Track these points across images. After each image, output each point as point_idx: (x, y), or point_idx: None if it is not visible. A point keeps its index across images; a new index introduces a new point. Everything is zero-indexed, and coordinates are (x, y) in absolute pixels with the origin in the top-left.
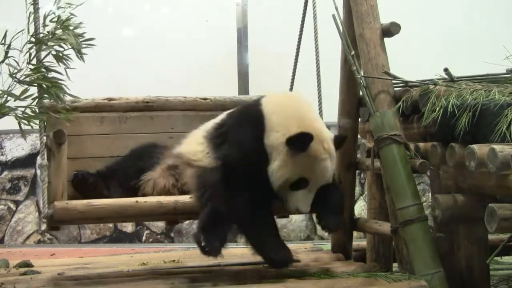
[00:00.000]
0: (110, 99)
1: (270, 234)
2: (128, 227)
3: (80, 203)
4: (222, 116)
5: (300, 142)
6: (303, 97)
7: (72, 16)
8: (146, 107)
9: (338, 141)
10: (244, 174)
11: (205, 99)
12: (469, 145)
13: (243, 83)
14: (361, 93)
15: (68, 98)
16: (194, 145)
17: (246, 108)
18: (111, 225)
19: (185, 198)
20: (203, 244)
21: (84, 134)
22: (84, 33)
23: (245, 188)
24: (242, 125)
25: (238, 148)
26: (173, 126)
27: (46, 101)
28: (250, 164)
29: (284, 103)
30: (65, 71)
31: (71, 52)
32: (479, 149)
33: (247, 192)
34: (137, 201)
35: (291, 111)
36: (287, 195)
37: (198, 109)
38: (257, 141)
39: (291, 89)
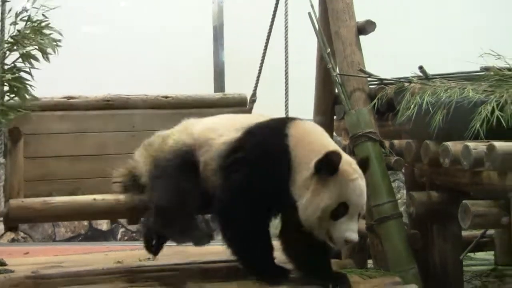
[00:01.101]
0: (70, 98)
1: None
2: (103, 225)
3: (36, 201)
4: (236, 134)
5: (330, 162)
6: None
7: (45, 20)
8: (107, 105)
9: (363, 164)
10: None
11: (166, 97)
12: (444, 142)
13: (219, 81)
14: (336, 91)
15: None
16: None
17: (270, 138)
18: (85, 223)
19: (144, 197)
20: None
21: (43, 133)
22: (51, 34)
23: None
24: (265, 161)
25: (255, 187)
26: (134, 124)
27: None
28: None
29: (309, 136)
30: (29, 70)
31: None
32: (453, 146)
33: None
34: (94, 199)
35: (317, 144)
36: (328, 228)
37: (160, 107)
38: (281, 184)
39: (255, 89)
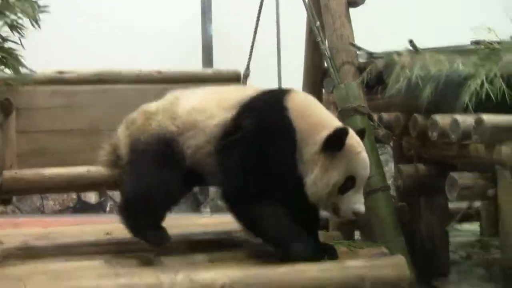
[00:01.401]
0: (61, 72)
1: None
2: (92, 198)
3: (30, 173)
4: (230, 113)
5: (337, 138)
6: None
7: None
8: (99, 80)
9: (360, 135)
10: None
11: (159, 72)
12: (432, 116)
13: (207, 55)
14: (325, 65)
15: (24, 70)
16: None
17: (270, 112)
18: (74, 196)
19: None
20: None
21: (35, 108)
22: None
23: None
24: (268, 138)
25: (262, 167)
26: (127, 99)
27: None
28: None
29: (308, 108)
30: (20, 40)
31: (26, 20)
32: (442, 119)
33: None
34: (88, 170)
35: (317, 116)
36: (336, 202)
37: (153, 82)
38: (288, 160)
39: (248, 63)
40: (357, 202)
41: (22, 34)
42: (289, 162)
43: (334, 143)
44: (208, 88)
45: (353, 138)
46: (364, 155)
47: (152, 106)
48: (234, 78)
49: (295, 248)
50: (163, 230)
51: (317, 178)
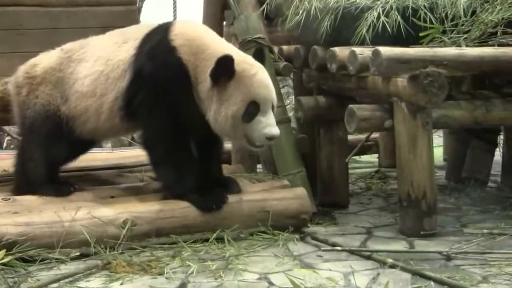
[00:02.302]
0: None
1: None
2: None
3: None
4: (123, 82)
5: (223, 67)
6: (202, 25)
7: None
8: None
9: (259, 56)
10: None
11: None
12: (331, 48)
13: None
14: None
15: None
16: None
17: (160, 59)
18: None
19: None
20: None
21: None
22: None
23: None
24: (165, 86)
25: (166, 115)
26: (21, 22)
27: None
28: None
29: (198, 44)
30: None
31: None
32: (340, 51)
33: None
34: None
35: (207, 51)
36: (245, 131)
37: (48, 5)
38: (190, 102)
39: None
40: (267, 126)
41: None
42: (187, 105)
43: (221, 73)
44: (95, 55)
45: (244, 62)
46: (261, 75)
47: (37, 70)
48: (129, 2)
49: (190, 199)
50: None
51: (216, 113)
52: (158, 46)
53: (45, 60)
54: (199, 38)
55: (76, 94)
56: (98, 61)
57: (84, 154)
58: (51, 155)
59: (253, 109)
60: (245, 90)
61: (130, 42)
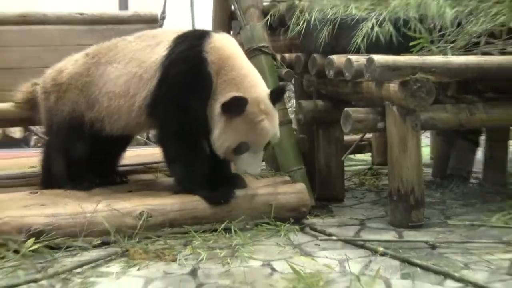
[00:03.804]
0: None
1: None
2: (16, 132)
3: None
4: (150, 85)
5: (235, 106)
6: (235, 44)
7: None
8: (23, 21)
9: (276, 95)
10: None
11: (81, 14)
12: (329, 56)
13: None
14: (233, 7)
15: None
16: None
17: (192, 64)
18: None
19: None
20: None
21: None
22: None
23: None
24: (188, 92)
25: (183, 116)
26: (51, 39)
27: None
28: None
29: (227, 63)
30: None
31: None
32: (337, 59)
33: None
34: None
35: (232, 74)
36: (234, 159)
37: (76, 23)
38: (202, 111)
39: (164, 5)
40: (249, 166)
41: None
42: (202, 114)
43: (231, 109)
44: (125, 55)
45: (257, 105)
46: (264, 124)
47: (64, 77)
48: (152, 20)
49: (201, 194)
50: (85, 177)
51: (216, 137)
52: (191, 53)
53: (70, 66)
54: (231, 59)
55: (108, 95)
56: (130, 63)
57: (124, 150)
58: (74, 155)
59: (244, 148)
60: (244, 132)
61: (162, 44)
